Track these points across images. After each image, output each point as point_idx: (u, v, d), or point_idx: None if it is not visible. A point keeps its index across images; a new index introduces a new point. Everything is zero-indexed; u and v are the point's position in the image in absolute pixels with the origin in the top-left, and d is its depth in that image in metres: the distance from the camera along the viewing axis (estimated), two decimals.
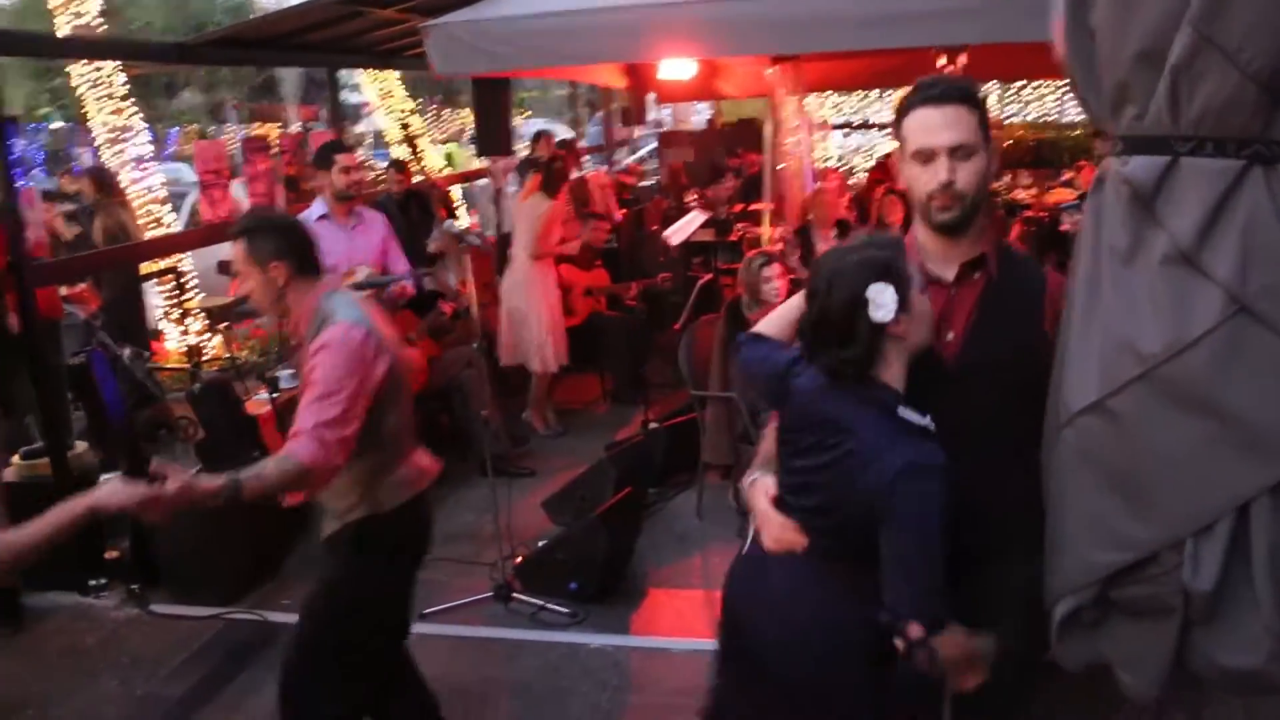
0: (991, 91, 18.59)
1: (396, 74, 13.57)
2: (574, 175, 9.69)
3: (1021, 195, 11.20)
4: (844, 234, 7.43)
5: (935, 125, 2.27)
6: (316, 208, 5.41)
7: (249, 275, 3.12)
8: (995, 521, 2.28)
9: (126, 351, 7.40)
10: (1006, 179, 12.69)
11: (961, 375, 2.33)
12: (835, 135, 16.17)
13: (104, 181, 8.69)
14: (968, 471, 2.15)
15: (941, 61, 7.35)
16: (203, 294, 9.86)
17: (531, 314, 7.12)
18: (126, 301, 8.10)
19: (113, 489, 2.53)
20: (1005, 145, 14.63)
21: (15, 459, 5.34)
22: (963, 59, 7.03)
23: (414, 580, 3.40)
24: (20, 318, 5.11)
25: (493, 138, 7.09)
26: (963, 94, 2.29)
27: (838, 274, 2.23)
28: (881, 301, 2.16)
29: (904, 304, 2.17)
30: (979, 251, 2.37)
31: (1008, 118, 18.64)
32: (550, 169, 7.18)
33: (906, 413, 2.19)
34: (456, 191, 11.99)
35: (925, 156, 2.27)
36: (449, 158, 16.56)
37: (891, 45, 5.51)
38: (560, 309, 7.31)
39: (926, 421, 2.20)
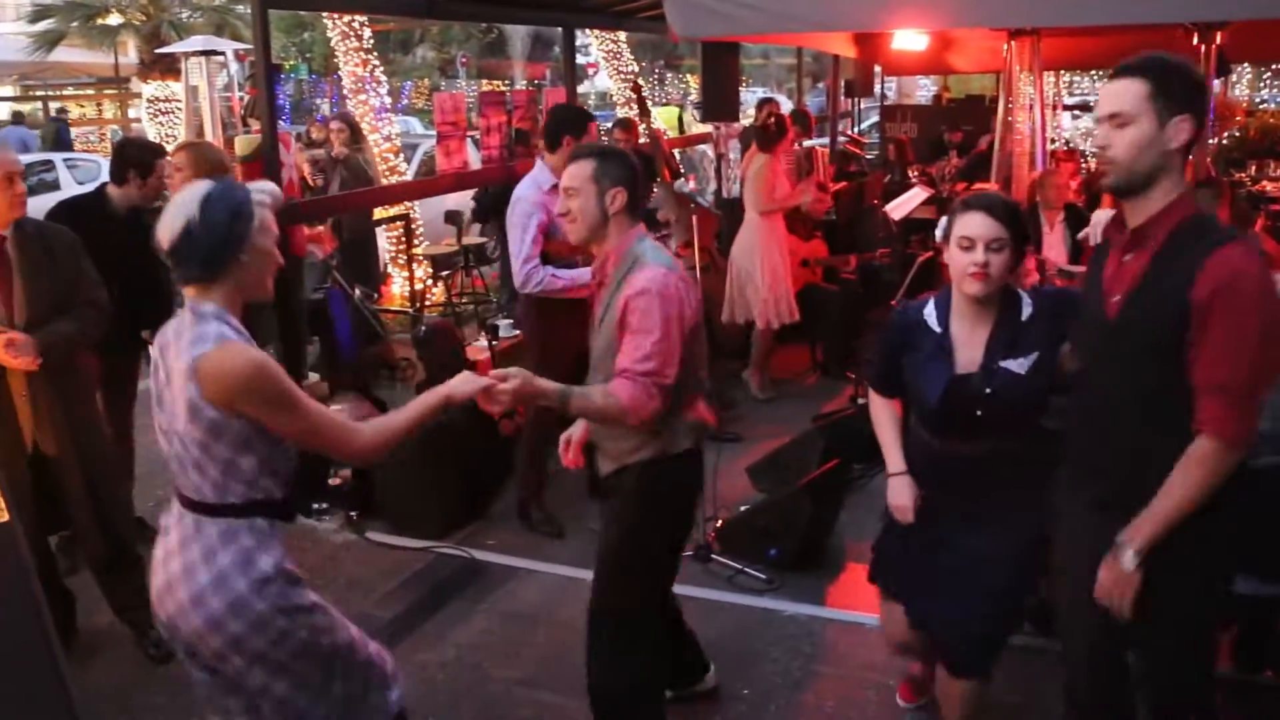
0: (1244, 74, 17.52)
1: (624, 35, 13.75)
2: (804, 145, 9.61)
3: (1268, 187, 10.52)
4: (1073, 218, 7.15)
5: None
6: (541, 178, 5.18)
7: (583, 193, 3.14)
8: (1120, 469, 2.59)
9: (358, 292, 7.82)
10: (1251, 169, 11.95)
11: (1117, 332, 2.56)
12: (1065, 116, 15.51)
13: (353, 127, 9.13)
14: (1108, 416, 2.61)
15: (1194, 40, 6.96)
16: (427, 242, 10.28)
17: (757, 271, 7.12)
18: (361, 244, 8.51)
19: (464, 379, 2.78)
20: (1252, 134, 13.76)
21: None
22: (1219, 37, 6.63)
23: (690, 529, 3.53)
24: None
25: (719, 103, 7.09)
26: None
27: None
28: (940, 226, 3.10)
29: (945, 237, 3.10)
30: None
31: (1261, 102, 17.53)
32: (764, 129, 7.16)
33: None
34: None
35: None
36: (680, 120, 16.66)
37: (1148, 20, 5.23)
38: (786, 267, 7.27)
39: None
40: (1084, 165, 12.24)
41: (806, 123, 8.90)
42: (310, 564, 5.11)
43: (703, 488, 3.52)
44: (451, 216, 9.87)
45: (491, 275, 10.51)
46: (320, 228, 7.83)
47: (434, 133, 7.01)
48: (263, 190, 2.66)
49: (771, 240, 7.19)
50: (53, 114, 21.53)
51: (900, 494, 3.27)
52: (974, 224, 2.91)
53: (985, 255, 2.88)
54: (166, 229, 2.50)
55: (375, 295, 9.05)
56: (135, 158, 5.06)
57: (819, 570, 4.98)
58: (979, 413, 3.01)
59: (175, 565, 2.58)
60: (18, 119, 20.13)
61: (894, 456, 3.32)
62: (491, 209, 8.91)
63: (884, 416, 3.35)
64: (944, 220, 2.84)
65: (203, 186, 2.54)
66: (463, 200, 9.84)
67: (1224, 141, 11.86)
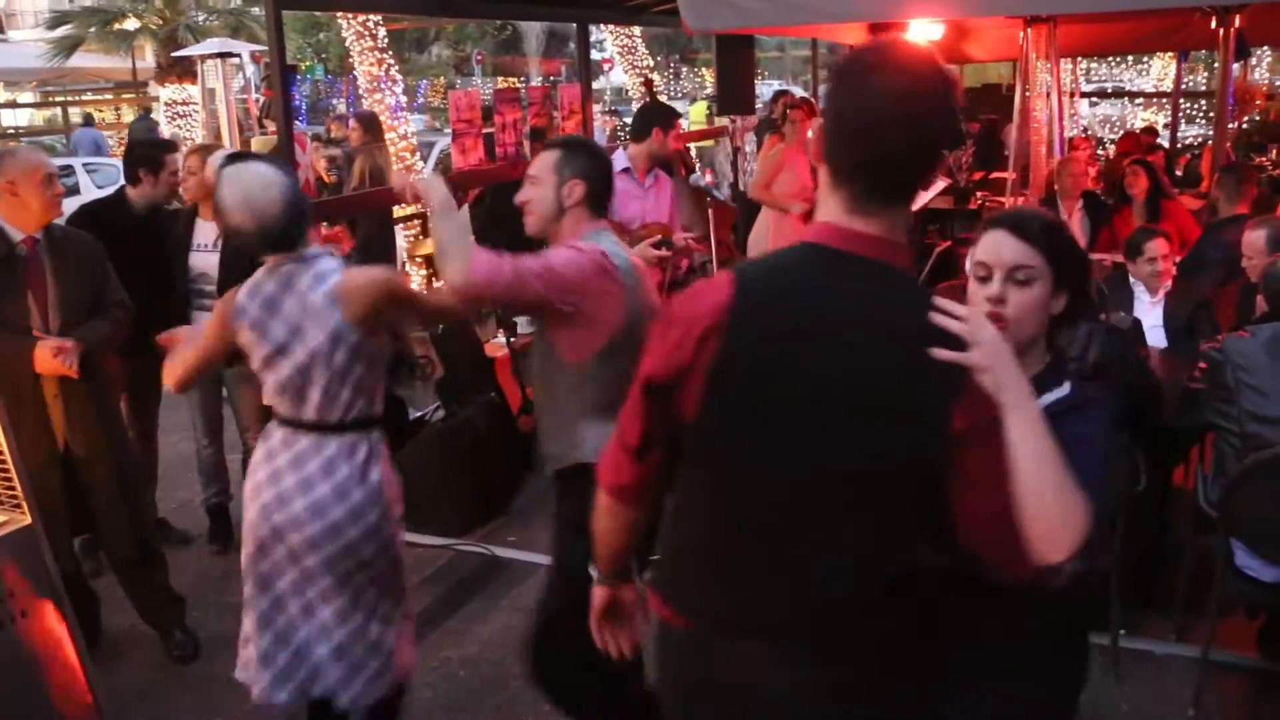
0: (1264, 57, 17.39)
1: (638, 30, 13.74)
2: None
3: None
4: (1091, 206, 7.11)
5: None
6: (620, 160, 5.39)
7: (544, 183, 3.07)
8: None
9: None
10: (1273, 153, 11.86)
11: None
12: (1082, 104, 15.44)
13: (371, 124, 9.15)
14: None
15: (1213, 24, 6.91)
16: None
17: None
18: (378, 243, 8.52)
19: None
20: (1273, 117, 13.65)
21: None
22: (1238, 20, 6.57)
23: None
24: None
25: (735, 96, 7.08)
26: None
27: None
28: None
29: None
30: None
31: None
32: (775, 122, 7.21)
33: None
34: (693, 149, 12.06)
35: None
36: (708, 114, 16.63)
37: (1166, 5, 5.21)
38: None
39: None
40: (1101, 153, 12.19)
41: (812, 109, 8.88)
42: None
43: None
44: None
45: None
46: (336, 226, 7.85)
47: (448, 131, 7.02)
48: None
49: (780, 234, 7.16)
50: (83, 121, 21.64)
51: None
52: (993, 245, 2.09)
53: (1002, 288, 2.05)
54: (267, 208, 2.92)
55: None
56: (143, 156, 5.10)
57: None
58: None
59: (289, 481, 2.98)
60: (89, 121, 20.29)
61: None
62: (492, 210, 8.80)
63: None
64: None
65: (270, 168, 3.02)
66: None
67: (1244, 126, 11.77)
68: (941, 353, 1.64)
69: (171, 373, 3.21)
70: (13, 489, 3.14)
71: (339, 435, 3.01)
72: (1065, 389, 2.07)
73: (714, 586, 1.88)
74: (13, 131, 22.59)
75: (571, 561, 2.91)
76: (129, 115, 22.28)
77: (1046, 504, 1.67)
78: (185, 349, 3.20)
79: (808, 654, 1.81)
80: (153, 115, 18.53)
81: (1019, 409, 1.67)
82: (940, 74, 1.70)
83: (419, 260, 9.96)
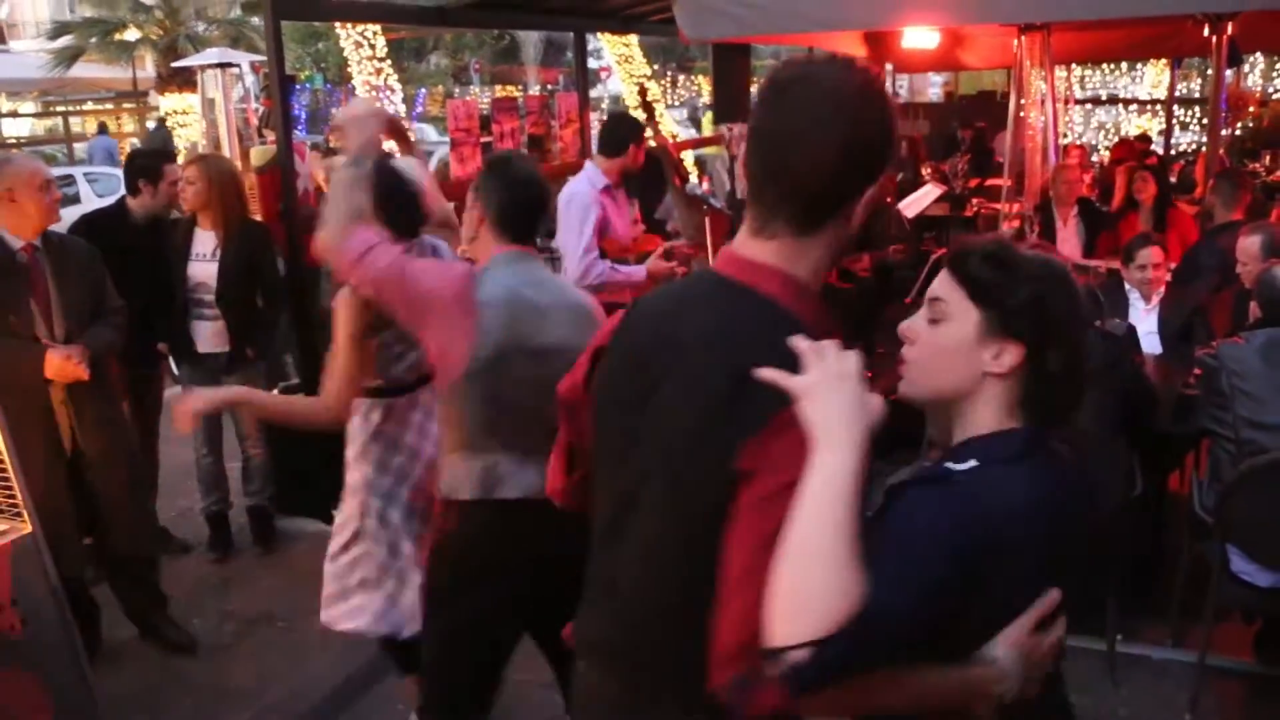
0: (1256, 64, 17.43)
1: (635, 39, 13.77)
2: None
3: None
4: (1086, 213, 7.14)
5: None
6: (594, 178, 5.24)
7: (470, 204, 2.94)
8: None
9: None
10: (1266, 159, 11.90)
11: None
12: (1076, 110, 15.49)
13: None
14: None
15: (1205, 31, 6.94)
16: None
17: None
18: None
19: None
20: (1266, 123, 13.70)
21: (275, 393, 5.71)
22: (1230, 27, 6.60)
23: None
24: (287, 261, 5.47)
25: (731, 104, 7.13)
26: None
27: None
28: None
29: None
30: None
31: (1274, 92, 17.42)
32: None
33: None
34: (689, 157, 12.09)
35: None
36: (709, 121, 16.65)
37: (1159, 12, 5.24)
38: None
39: None
40: (1095, 159, 12.23)
41: None
42: None
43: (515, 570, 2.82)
44: None
45: None
46: None
47: (448, 140, 7.04)
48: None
49: None
50: (98, 129, 21.67)
51: None
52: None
53: (920, 323, 1.71)
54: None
55: None
56: (143, 167, 5.15)
57: None
58: None
59: (431, 432, 3.28)
60: (103, 129, 20.36)
61: None
62: None
63: None
64: None
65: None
66: None
67: (1237, 132, 11.81)
68: (765, 371, 1.45)
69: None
70: (13, 498, 3.15)
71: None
72: (969, 465, 1.56)
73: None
74: (14, 141, 22.62)
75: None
76: (129, 125, 22.31)
77: (803, 570, 1.34)
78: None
79: (612, 674, 1.77)
80: (167, 125, 18.57)
81: (827, 455, 1.39)
82: (864, 95, 1.53)
83: None
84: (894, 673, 1.42)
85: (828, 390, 1.43)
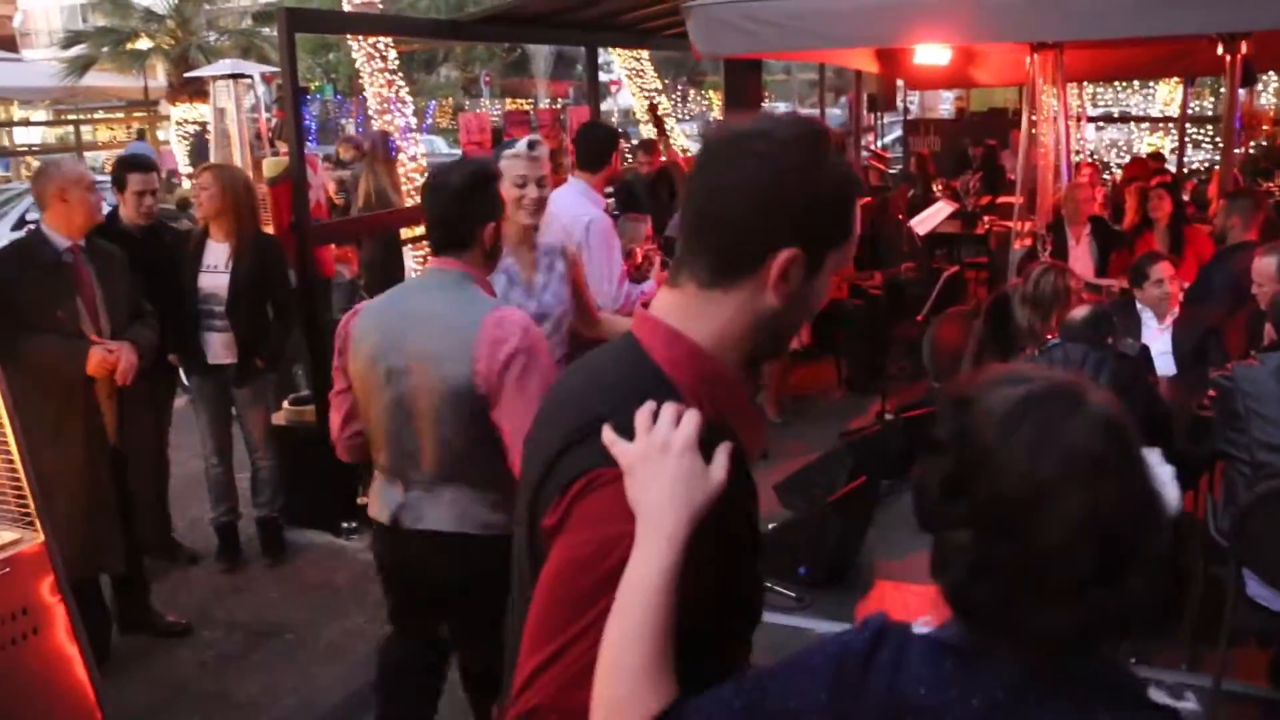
0: (1270, 83, 17.41)
1: (646, 53, 13.80)
2: None
3: None
4: (1099, 231, 7.13)
5: None
6: (596, 197, 5.07)
7: None
8: None
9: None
10: (1278, 179, 11.87)
11: None
12: (1088, 128, 15.50)
13: (378, 146, 9.21)
14: None
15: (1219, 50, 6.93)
16: None
17: None
18: (385, 263, 8.54)
19: None
20: (1279, 143, 13.67)
21: (285, 405, 5.72)
22: (1244, 46, 6.60)
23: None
24: (298, 273, 5.48)
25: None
26: None
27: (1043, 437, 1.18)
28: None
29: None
30: None
31: None
32: None
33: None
34: None
35: None
36: None
37: (1174, 32, 5.23)
38: None
39: None
40: (1107, 177, 12.22)
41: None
42: (339, 583, 5.14)
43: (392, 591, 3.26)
44: None
45: None
46: (347, 247, 7.88)
47: (458, 152, 7.07)
48: None
49: None
50: (135, 138, 21.67)
51: None
52: None
53: None
54: None
55: None
56: (114, 175, 5.21)
57: (849, 588, 4.96)
58: None
59: None
60: (141, 135, 20.46)
61: None
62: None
63: None
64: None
65: None
66: None
67: (1250, 151, 11.80)
68: (607, 433, 1.35)
69: None
70: (26, 507, 3.15)
71: None
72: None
73: None
74: (25, 149, 22.70)
75: None
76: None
77: (606, 678, 1.25)
78: None
79: None
80: (161, 135, 18.64)
81: (639, 552, 1.27)
82: (799, 154, 1.41)
83: None
84: None
85: (649, 467, 1.30)
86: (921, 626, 1.30)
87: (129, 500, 4.37)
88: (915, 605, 4.71)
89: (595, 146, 5.10)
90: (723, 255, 1.44)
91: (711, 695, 1.26)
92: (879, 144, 14.72)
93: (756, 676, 1.28)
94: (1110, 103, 20.82)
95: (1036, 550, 1.14)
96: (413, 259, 10.22)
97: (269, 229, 5.80)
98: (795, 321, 1.51)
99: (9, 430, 3.11)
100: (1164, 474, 1.20)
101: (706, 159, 1.47)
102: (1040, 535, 1.14)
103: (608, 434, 1.35)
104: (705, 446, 1.34)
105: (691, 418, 1.35)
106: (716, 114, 30.30)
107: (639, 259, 5.27)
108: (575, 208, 4.83)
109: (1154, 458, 1.22)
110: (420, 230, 9.72)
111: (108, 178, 5.90)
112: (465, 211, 2.81)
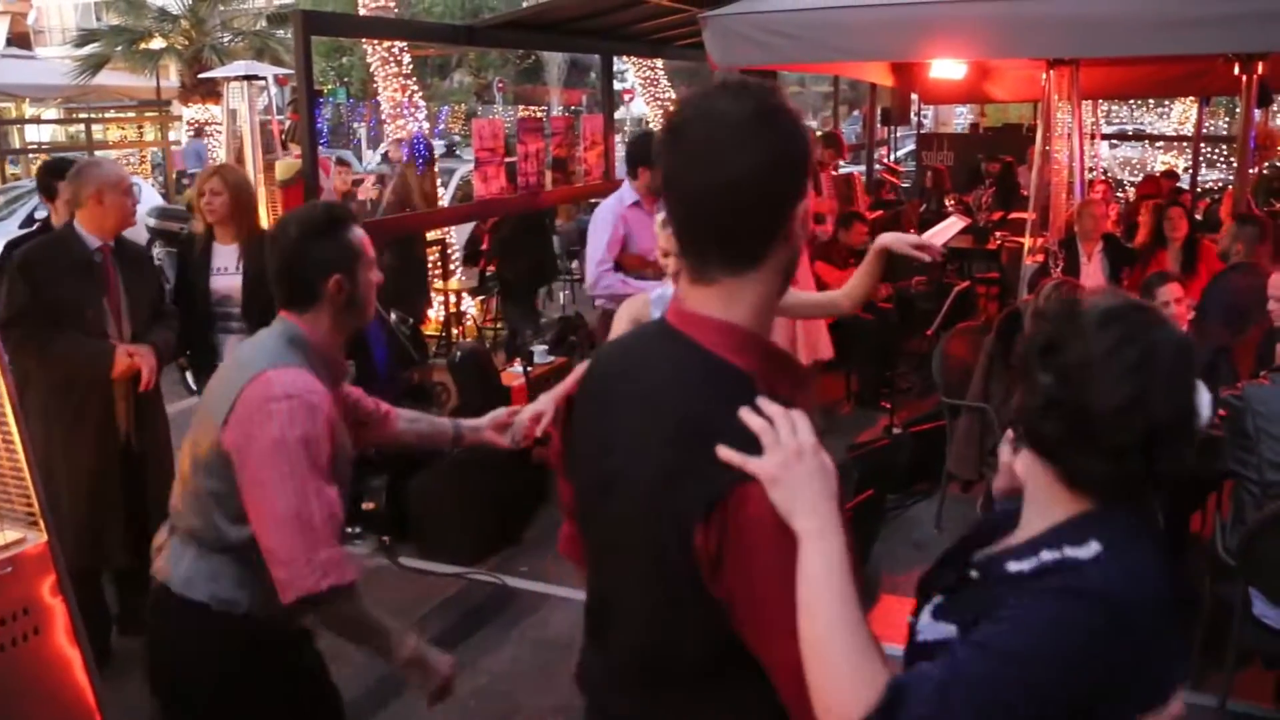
0: None
1: (660, 62, 13.81)
2: (837, 171, 9.58)
3: None
4: (1111, 249, 7.11)
5: None
6: (624, 194, 5.42)
7: None
8: None
9: (393, 316, 7.86)
10: None
11: None
12: (1102, 146, 15.47)
13: (408, 152, 9.20)
14: None
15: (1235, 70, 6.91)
16: (462, 267, 10.34)
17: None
18: (408, 269, 8.54)
19: None
20: None
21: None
22: (1261, 67, 6.58)
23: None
24: None
25: None
26: None
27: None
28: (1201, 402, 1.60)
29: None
30: None
31: None
32: None
33: None
34: None
35: None
36: None
37: (1189, 51, 5.22)
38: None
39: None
40: (1120, 195, 12.19)
41: (837, 145, 8.88)
42: None
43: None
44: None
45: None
46: None
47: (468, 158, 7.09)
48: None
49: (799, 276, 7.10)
50: (190, 134, 21.68)
51: None
52: None
53: None
54: None
55: (411, 320, 9.10)
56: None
57: None
58: None
59: None
60: (200, 133, 20.49)
61: None
62: (509, 242, 8.81)
63: None
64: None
65: None
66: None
67: (1264, 172, 11.76)
68: (725, 451, 1.39)
69: None
70: (31, 506, 3.14)
71: None
72: (1090, 549, 1.44)
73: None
74: (35, 147, 22.77)
75: None
76: (150, 134, 22.45)
77: (828, 668, 1.33)
78: None
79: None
80: (173, 136, 18.70)
81: (814, 538, 1.35)
82: (761, 118, 1.44)
83: (438, 288, 10.00)
84: None
85: (795, 473, 1.37)
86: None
87: (142, 499, 4.38)
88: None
89: (628, 156, 5.54)
90: (743, 242, 1.48)
91: (925, 676, 1.36)
92: (892, 158, 14.72)
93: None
94: (1125, 120, 20.81)
95: (1098, 408, 1.40)
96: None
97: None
98: (791, 274, 1.56)
99: (14, 429, 3.10)
100: (1204, 397, 1.63)
101: (678, 153, 1.48)
102: (1103, 398, 1.40)
103: (730, 454, 1.38)
104: None
105: (802, 419, 1.42)
106: None
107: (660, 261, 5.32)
108: (605, 200, 5.47)
109: (1200, 384, 1.54)
110: (432, 236, 9.75)
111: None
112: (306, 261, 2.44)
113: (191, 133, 20.21)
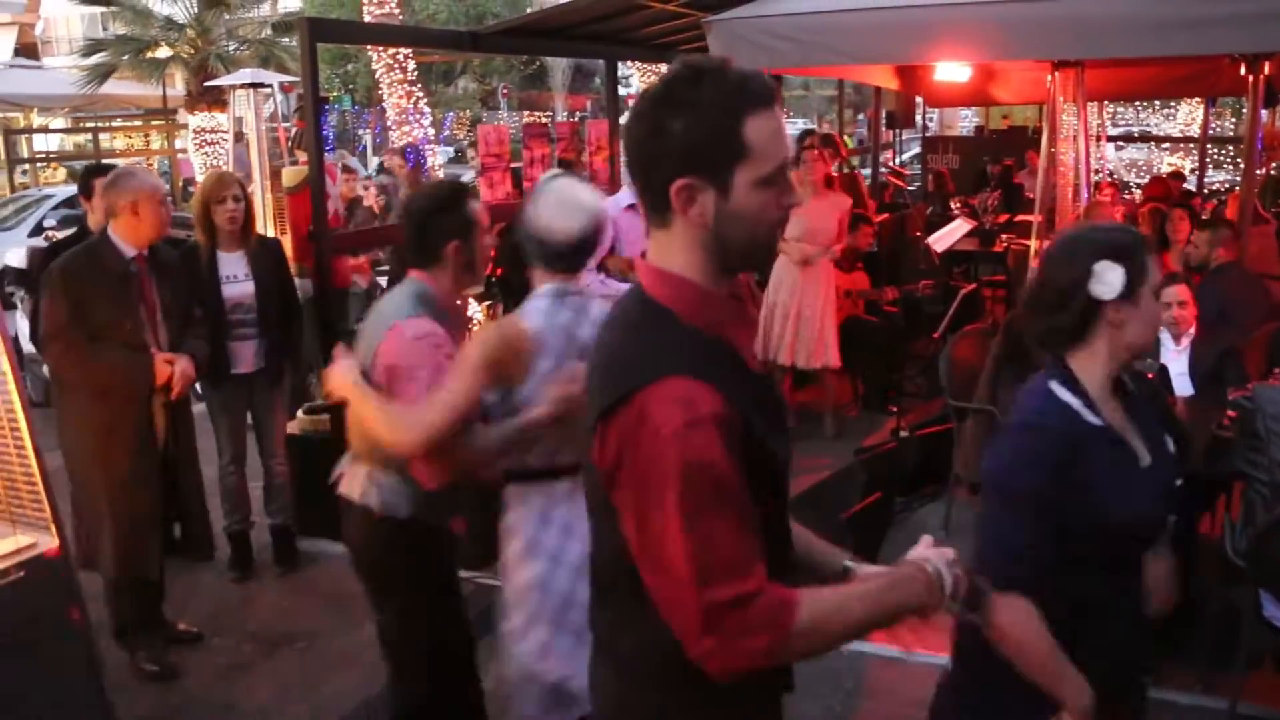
0: None
1: (665, 67, 13.80)
2: (839, 171, 9.57)
3: None
4: None
5: None
6: (622, 198, 5.45)
7: None
8: None
9: None
10: None
11: None
12: (1108, 147, 15.45)
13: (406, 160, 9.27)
14: None
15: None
16: None
17: (779, 308, 7.05)
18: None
19: None
20: None
21: (299, 414, 5.72)
22: (1267, 67, 6.57)
23: None
24: (316, 283, 5.48)
25: None
26: None
27: (1074, 243, 2.15)
28: (1107, 279, 2.06)
29: (1130, 292, 2.06)
30: None
31: None
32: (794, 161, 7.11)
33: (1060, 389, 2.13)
34: None
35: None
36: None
37: (1195, 52, 5.19)
38: (818, 307, 7.14)
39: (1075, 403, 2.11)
40: (1127, 196, 12.16)
41: (834, 146, 8.87)
42: (351, 592, 5.10)
43: None
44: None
45: None
46: (363, 258, 7.89)
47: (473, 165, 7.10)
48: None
49: (801, 279, 7.10)
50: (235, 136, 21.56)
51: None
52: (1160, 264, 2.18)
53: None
54: (570, 226, 2.81)
55: None
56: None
57: None
58: (1171, 515, 2.25)
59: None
60: (239, 138, 20.49)
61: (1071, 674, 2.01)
62: (514, 248, 8.80)
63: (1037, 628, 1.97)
64: (1114, 272, 2.02)
65: (581, 185, 2.94)
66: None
67: (1272, 173, 11.73)
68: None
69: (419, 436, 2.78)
70: (42, 511, 3.15)
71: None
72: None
73: None
74: (43, 156, 22.83)
75: None
76: (156, 142, 22.50)
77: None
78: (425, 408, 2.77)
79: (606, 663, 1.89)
80: (179, 144, 18.68)
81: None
82: (671, 85, 1.61)
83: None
84: (838, 604, 1.70)
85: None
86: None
87: (182, 504, 4.54)
88: (925, 622, 4.69)
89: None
90: (648, 200, 1.67)
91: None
92: (897, 161, 14.74)
93: None
94: (1131, 122, 20.80)
95: (1048, 288, 2.13)
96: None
97: (284, 237, 5.84)
98: (748, 238, 1.65)
99: (26, 434, 3.11)
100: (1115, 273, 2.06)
101: (626, 118, 1.76)
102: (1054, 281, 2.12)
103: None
104: (722, 364, 1.62)
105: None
106: None
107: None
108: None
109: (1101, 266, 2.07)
110: None
111: None
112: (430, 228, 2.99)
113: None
